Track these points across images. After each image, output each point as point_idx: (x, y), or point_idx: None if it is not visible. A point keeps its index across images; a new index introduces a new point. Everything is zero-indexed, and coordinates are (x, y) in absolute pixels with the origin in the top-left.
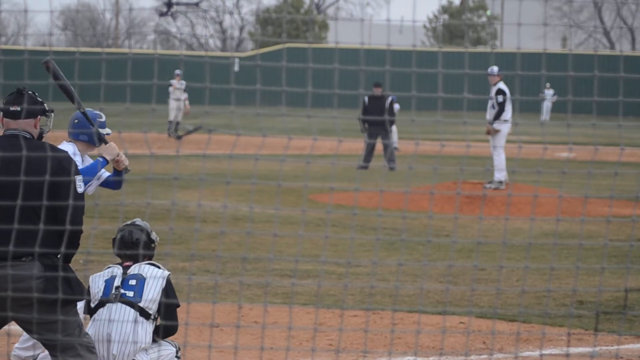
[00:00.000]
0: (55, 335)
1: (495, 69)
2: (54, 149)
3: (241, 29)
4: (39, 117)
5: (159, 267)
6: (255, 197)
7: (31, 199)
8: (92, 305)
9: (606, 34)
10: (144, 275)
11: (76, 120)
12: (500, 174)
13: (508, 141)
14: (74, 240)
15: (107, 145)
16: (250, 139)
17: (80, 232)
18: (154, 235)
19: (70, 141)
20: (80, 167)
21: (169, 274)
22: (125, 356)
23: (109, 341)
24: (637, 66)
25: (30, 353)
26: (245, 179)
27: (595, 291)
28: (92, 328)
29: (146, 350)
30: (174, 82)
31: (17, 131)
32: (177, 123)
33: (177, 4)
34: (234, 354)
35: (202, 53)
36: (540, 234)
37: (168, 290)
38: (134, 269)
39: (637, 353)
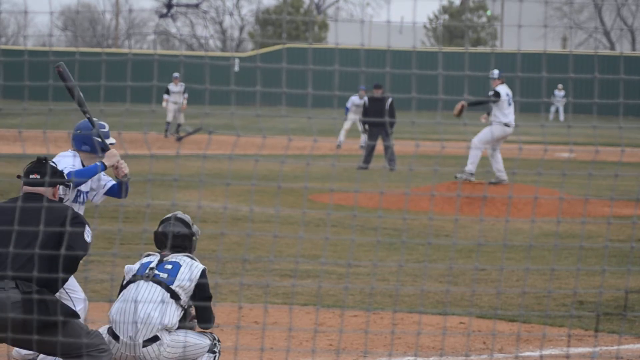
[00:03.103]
0: (54, 345)
1: (495, 72)
2: (65, 208)
3: (241, 29)
4: (57, 186)
5: (195, 260)
6: (255, 197)
7: (40, 245)
8: (124, 283)
9: (606, 34)
10: (180, 262)
11: (78, 131)
12: (472, 168)
13: (509, 141)
14: (65, 280)
15: (109, 151)
16: (250, 139)
17: (73, 272)
18: (195, 228)
19: (74, 150)
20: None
21: (205, 268)
22: (148, 330)
23: (134, 314)
24: (637, 67)
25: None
26: (245, 179)
27: (596, 292)
28: (118, 302)
29: (169, 331)
30: (171, 85)
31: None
32: (179, 125)
33: (177, 4)
34: (234, 354)
35: (202, 53)
36: (540, 234)
37: (203, 282)
38: (172, 257)
39: (637, 353)
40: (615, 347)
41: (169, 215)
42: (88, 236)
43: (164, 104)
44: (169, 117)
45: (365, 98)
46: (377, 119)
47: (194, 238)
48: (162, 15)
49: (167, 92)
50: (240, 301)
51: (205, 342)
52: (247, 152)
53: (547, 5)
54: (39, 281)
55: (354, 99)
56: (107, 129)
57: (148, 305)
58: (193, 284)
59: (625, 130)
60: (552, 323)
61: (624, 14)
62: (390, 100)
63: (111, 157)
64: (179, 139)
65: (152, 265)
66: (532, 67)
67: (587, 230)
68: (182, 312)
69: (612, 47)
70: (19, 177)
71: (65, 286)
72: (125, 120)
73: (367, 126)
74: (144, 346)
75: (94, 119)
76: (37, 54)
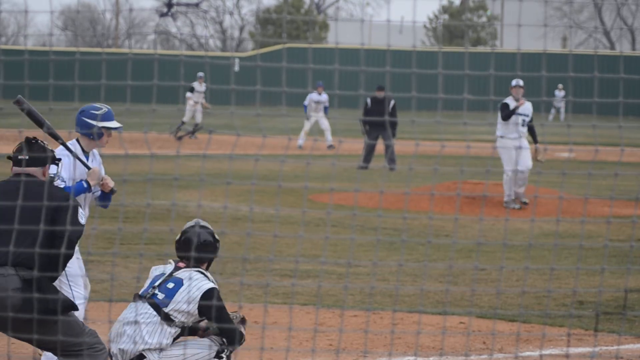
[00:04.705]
0: (54, 341)
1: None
2: (56, 188)
3: (241, 29)
4: (47, 165)
5: (207, 279)
6: (255, 197)
7: (33, 225)
8: (140, 292)
9: (606, 34)
10: (184, 281)
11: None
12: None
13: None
14: (65, 262)
15: (91, 170)
16: (250, 139)
17: (71, 256)
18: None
19: (77, 138)
20: (85, 160)
21: (210, 288)
22: (132, 351)
23: (120, 335)
24: (637, 66)
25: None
26: (246, 179)
27: (595, 291)
28: (116, 322)
29: (160, 350)
30: (195, 84)
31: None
32: (196, 124)
33: (178, 4)
34: (234, 354)
35: (203, 53)
36: (540, 234)
37: (205, 304)
38: (182, 273)
39: (637, 353)
40: (615, 347)
41: (192, 222)
42: (82, 217)
43: (190, 102)
44: (187, 117)
45: (368, 99)
46: (377, 118)
47: (217, 244)
48: (162, 15)
49: (192, 90)
50: (240, 301)
51: (206, 351)
52: (247, 152)
53: (547, 5)
54: (40, 261)
55: (313, 96)
56: (101, 112)
57: (137, 327)
58: (192, 306)
59: (625, 130)
60: (552, 323)
61: (624, 13)
62: (393, 102)
63: (94, 176)
64: (179, 139)
65: (157, 283)
66: (532, 67)
67: (587, 230)
68: (178, 331)
69: (612, 47)
70: (9, 157)
71: (69, 280)
72: (125, 120)
73: (367, 127)
74: None
75: (90, 104)
76: (37, 54)
